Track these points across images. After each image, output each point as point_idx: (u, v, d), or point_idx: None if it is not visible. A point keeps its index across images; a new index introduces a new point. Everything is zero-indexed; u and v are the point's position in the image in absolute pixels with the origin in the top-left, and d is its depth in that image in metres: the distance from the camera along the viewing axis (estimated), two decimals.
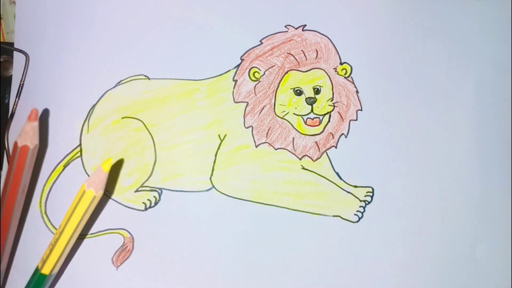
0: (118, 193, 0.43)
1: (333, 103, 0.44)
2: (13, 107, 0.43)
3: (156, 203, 0.43)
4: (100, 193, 0.36)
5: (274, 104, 0.44)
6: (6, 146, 0.43)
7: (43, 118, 0.43)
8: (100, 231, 0.43)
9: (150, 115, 0.44)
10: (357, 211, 0.44)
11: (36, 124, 0.37)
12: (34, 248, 0.43)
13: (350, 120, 0.45)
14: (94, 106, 0.44)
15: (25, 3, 0.44)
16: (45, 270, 0.38)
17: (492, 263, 0.45)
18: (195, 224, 0.43)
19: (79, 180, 0.43)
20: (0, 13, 0.45)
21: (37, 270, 0.39)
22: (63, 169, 0.43)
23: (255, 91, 0.44)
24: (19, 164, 0.37)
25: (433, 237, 0.44)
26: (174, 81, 0.44)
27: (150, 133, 0.44)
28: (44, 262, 0.38)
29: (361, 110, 0.45)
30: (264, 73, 0.44)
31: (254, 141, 0.44)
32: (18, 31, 0.43)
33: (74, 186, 0.43)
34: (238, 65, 0.44)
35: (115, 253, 0.43)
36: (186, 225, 0.43)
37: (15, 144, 0.37)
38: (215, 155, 0.44)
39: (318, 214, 0.44)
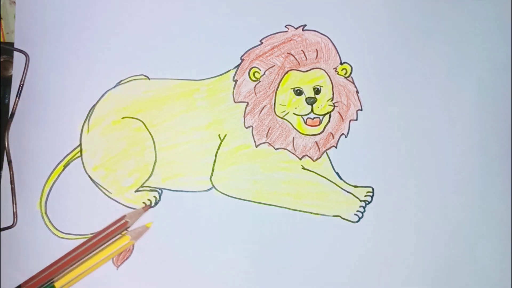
0: (118, 193, 0.43)
1: (333, 103, 0.44)
2: (13, 107, 0.43)
3: (156, 203, 0.43)
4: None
5: (274, 104, 0.44)
6: (6, 146, 0.43)
7: (43, 118, 0.43)
8: None
9: (150, 115, 0.44)
10: (357, 211, 0.44)
11: None
12: (34, 248, 0.43)
13: (350, 120, 0.45)
14: (94, 106, 0.44)
15: (25, 3, 0.44)
16: None
17: (492, 263, 0.45)
18: (195, 224, 0.43)
19: (79, 180, 0.43)
20: (0, 13, 0.45)
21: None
22: (63, 169, 0.43)
23: (255, 91, 0.44)
24: None
25: (433, 237, 0.44)
26: (174, 81, 0.44)
27: (150, 133, 0.44)
28: (64, 284, 0.41)
29: (361, 110, 0.45)
30: (264, 73, 0.44)
31: (254, 141, 0.44)
32: (18, 31, 0.43)
33: (74, 186, 0.43)
34: (238, 65, 0.44)
35: None
36: (186, 225, 0.43)
37: None
38: (215, 155, 0.44)
39: (318, 214, 0.44)
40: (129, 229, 0.42)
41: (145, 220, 0.43)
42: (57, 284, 0.41)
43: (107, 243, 0.42)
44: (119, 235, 0.42)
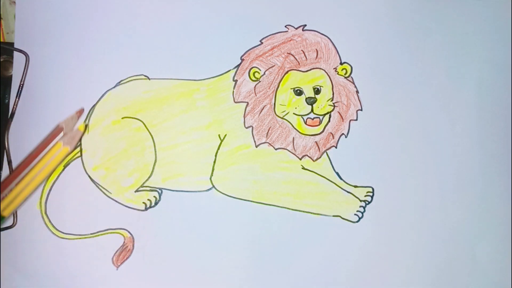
0: (118, 193, 0.43)
1: (333, 103, 0.44)
2: (13, 107, 0.43)
3: (156, 203, 0.43)
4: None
5: (274, 104, 0.44)
6: (6, 146, 0.43)
7: (43, 118, 0.43)
8: (100, 231, 0.43)
9: (150, 115, 0.44)
10: (357, 211, 0.44)
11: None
12: (34, 248, 0.43)
13: (350, 120, 0.45)
14: (94, 106, 0.44)
15: (25, 3, 0.44)
16: (6, 213, 0.41)
17: (492, 263, 0.45)
18: (195, 224, 0.43)
19: (79, 180, 0.43)
20: (0, 13, 0.45)
21: None
22: (63, 169, 0.43)
23: (255, 91, 0.44)
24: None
25: (433, 237, 0.44)
26: (174, 81, 0.44)
27: (150, 133, 0.44)
28: (7, 206, 0.40)
29: (361, 110, 0.45)
30: (264, 73, 0.44)
31: (254, 141, 0.44)
32: (18, 31, 0.43)
33: (74, 186, 0.43)
34: (238, 65, 0.44)
35: (115, 253, 0.43)
36: (186, 225, 0.43)
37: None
38: (215, 155, 0.44)
39: (318, 214, 0.44)
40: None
41: (145, 220, 0.43)
42: (5, 213, 0.41)
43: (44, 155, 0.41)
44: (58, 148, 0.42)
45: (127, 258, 0.43)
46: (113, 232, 0.43)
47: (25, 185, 0.41)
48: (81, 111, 0.42)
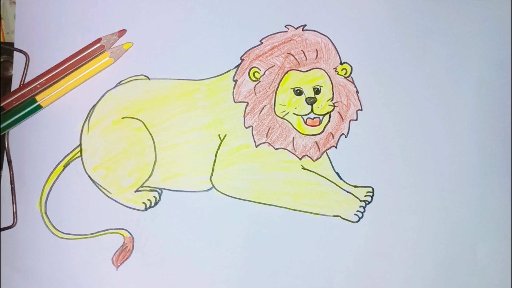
0: (118, 193, 0.43)
1: (333, 103, 0.44)
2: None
3: (156, 203, 0.43)
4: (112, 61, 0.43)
5: (274, 104, 0.44)
6: (6, 146, 0.43)
7: (43, 118, 0.43)
8: (100, 231, 0.43)
9: (150, 115, 0.44)
10: (357, 211, 0.44)
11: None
12: (34, 248, 0.43)
13: (350, 120, 0.45)
14: (94, 106, 0.44)
15: (25, 3, 0.44)
16: (44, 103, 0.42)
17: (492, 263, 0.45)
18: (195, 224, 0.43)
19: (79, 180, 0.43)
20: (0, 13, 0.45)
21: (35, 101, 0.42)
22: (63, 169, 0.43)
23: (255, 91, 0.44)
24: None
25: (433, 237, 0.44)
26: (174, 81, 0.44)
27: (150, 133, 0.44)
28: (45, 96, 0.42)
29: (361, 110, 0.45)
30: (264, 73, 0.44)
31: (254, 141, 0.44)
32: (18, 31, 0.43)
33: (74, 186, 0.43)
34: (238, 65, 0.44)
35: (115, 253, 0.43)
36: (186, 225, 0.43)
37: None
38: (215, 155, 0.44)
39: (318, 214, 0.44)
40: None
41: (145, 220, 0.43)
42: (38, 97, 0.41)
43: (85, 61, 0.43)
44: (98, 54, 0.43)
45: (127, 258, 0.43)
46: (113, 232, 0.43)
47: (67, 83, 0.42)
48: (122, 31, 0.43)
